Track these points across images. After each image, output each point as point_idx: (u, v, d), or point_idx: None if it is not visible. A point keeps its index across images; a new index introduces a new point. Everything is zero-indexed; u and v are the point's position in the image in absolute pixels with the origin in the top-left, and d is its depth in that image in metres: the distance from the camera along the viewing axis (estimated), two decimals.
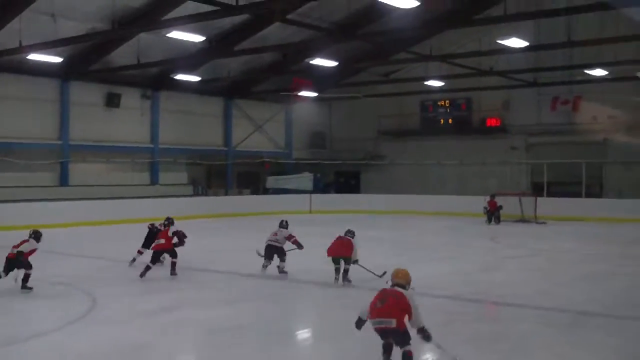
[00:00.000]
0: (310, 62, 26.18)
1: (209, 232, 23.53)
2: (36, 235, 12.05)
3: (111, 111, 29.65)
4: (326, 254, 12.86)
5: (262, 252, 13.93)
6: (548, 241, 21.14)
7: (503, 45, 22.36)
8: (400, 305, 7.20)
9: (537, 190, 29.94)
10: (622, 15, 23.73)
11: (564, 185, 30.41)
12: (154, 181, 31.32)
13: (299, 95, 33.70)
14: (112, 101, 29.48)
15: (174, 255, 13.50)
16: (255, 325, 9.70)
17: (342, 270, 12.67)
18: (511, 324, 9.80)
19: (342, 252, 12.77)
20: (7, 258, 11.69)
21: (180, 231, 13.81)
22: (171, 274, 13.42)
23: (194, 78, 28.53)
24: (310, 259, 15.94)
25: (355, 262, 12.88)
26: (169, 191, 30.56)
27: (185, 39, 21.56)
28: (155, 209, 27.37)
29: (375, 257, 16.38)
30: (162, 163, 31.54)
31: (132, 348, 8.43)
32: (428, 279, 13.44)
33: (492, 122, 33.92)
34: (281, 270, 13.72)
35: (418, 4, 15.82)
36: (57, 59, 23.39)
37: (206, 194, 33.04)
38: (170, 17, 22.09)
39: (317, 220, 27.72)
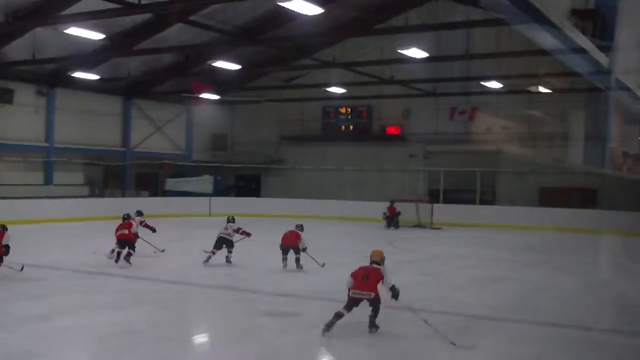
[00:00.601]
0: (213, 64, 25.99)
1: (104, 234, 22.92)
2: None
3: (3, 107, 28.47)
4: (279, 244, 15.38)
5: (209, 248, 15.89)
6: (443, 246, 21.66)
7: (404, 55, 22.84)
8: (377, 278, 9.41)
9: (433, 197, 30.70)
10: (516, 32, 24.62)
11: (459, 193, 31.29)
12: (48, 181, 30.27)
13: (201, 98, 33.36)
14: (3, 97, 28.30)
15: (132, 247, 15.34)
16: (148, 330, 9.47)
17: (295, 258, 15.23)
18: (408, 328, 9.96)
19: (291, 242, 15.27)
20: None
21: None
22: (126, 258, 15.17)
23: (93, 76, 27.78)
24: (211, 263, 15.82)
25: (304, 249, 15.27)
26: (64, 192, 29.63)
27: (84, 36, 20.99)
28: (49, 210, 26.58)
29: (274, 262, 16.39)
30: (57, 163, 30.54)
31: (19, 356, 8.08)
32: (327, 284, 13.56)
33: (392, 130, 34.53)
34: (228, 260, 15.92)
35: (322, 11, 15.97)
36: None
37: (103, 195, 32.24)
38: (68, 12, 21.43)
39: (216, 223, 27.34)
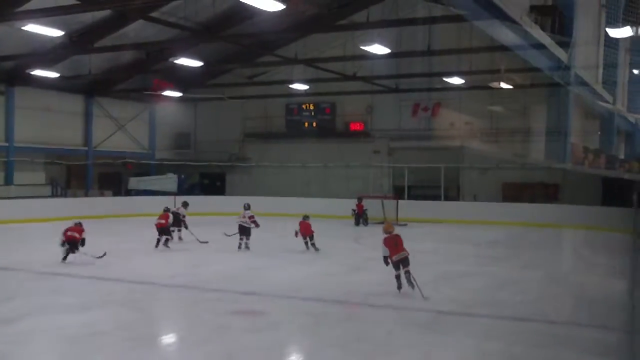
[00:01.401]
0: (175, 61, 25.78)
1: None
2: None
3: None
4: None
5: (229, 233, 18.76)
6: (409, 242, 21.67)
7: (366, 51, 22.89)
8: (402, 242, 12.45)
9: (398, 193, 30.84)
10: (477, 28, 24.84)
11: (423, 189, 31.49)
12: (8, 181, 29.76)
13: (163, 95, 33.06)
14: None
15: (169, 234, 18.41)
16: (115, 331, 9.38)
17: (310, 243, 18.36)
18: (375, 325, 10.01)
19: (308, 231, 18.49)
20: None
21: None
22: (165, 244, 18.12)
23: (53, 74, 27.33)
24: (175, 263, 15.74)
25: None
26: (25, 192, 29.15)
27: (42, 33, 20.63)
28: (10, 211, 26.14)
29: (241, 260, 16.36)
30: (17, 162, 30.04)
31: None
32: (294, 281, 13.59)
33: (355, 126, 34.60)
34: (247, 247, 18.15)
35: (283, 7, 15.93)
36: None
37: (65, 195, 31.80)
38: (26, 8, 21.03)
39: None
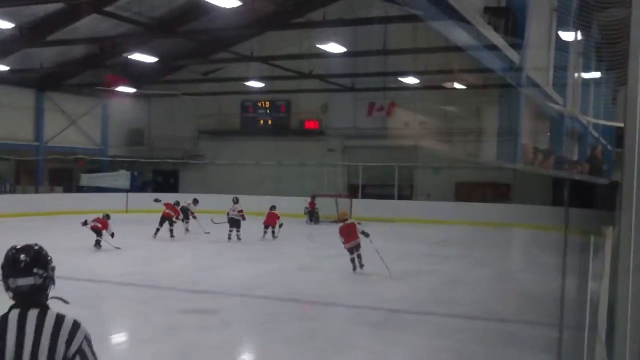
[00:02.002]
0: (129, 57, 25.47)
1: (17, 232, 22.21)
2: None
3: None
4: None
5: (217, 221, 20.77)
6: (362, 241, 21.82)
7: (322, 49, 22.91)
8: (356, 228, 14.58)
9: (352, 191, 30.93)
10: (432, 28, 25.00)
11: (378, 187, 31.65)
12: None
13: (116, 91, 32.63)
14: None
15: (171, 223, 20.62)
16: None
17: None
18: (326, 323, 10.03)
19: (272, 221, 20.84)
20: None
21: None
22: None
23: (2, 67, 26.78)
24: (127, 261, 15.57)
25: (281, 225, 21.09)
26: None
27: None
28: None
29: (193, 258, 16.25)
30: None
31: None
32: (247, 279, 13.55)
33: (310, 124, 34.62)
34: (238, 238, 19.91)
35: (240, 4, 15.87)
36: None
37: (14, 191, 31.21)
38: None
39: (134, 219, 27.00)
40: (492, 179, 29.97)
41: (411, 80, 28.32)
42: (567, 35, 14.78)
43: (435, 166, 31.12)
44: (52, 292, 3.15)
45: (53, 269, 3.18)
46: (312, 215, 27.36)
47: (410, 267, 15.90)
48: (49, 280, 3.13)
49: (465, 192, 29.73)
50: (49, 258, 3.18)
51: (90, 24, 25.30)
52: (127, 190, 32.42)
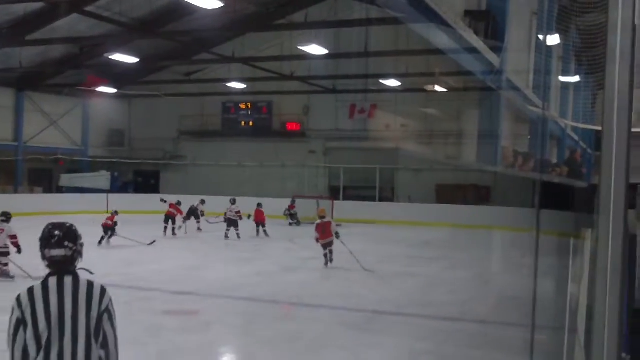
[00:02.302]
0: (109, 57, 25.36)
1: None
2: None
3: None
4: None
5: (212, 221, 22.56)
6: (344, 243, 21.86)
7: (304, 51, 22.95)
8: (332, 227, 15.67)
9: (334, 193, 30.97)
10: (413, 31, 25.10)
11: (359, 190, 31.72)
12: None
13: (97, 91, 32.46)
14: None
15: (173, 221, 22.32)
16: None
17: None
18: (308, 324, 10.04)
19: (261, 218, 22.51)
20: None
21: None
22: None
23: None
24: (109, 262, 15.50)
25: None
26: None
27: None
28: None
29: (175, 259, 16.22)
30: None
31: None
32: (228, 280, 13.54)
33: (292, 126, 34.62)
34: (238, 236, 20.90)
35: (221, 5, 15.87)
36: None
37: None
38: None
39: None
40: (472, 181, 30.12)
41: (392, 82, 28.44)
42: (547, 39, 14.90)
43: (416, 168, 31.25)
44: (80, 265, 3.79)
45: (82, 245, 3.83)
46: (293, 217, 27.40)
47: (390, 269, 15.96)
48: (77, 253, 3.78)
49: (446, 194, 29.85)
50: (78, 235, 3.82)
51: (70, 24, 25.17)
52: (107, 191, 32.24)
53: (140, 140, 37.81)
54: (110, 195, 31.75)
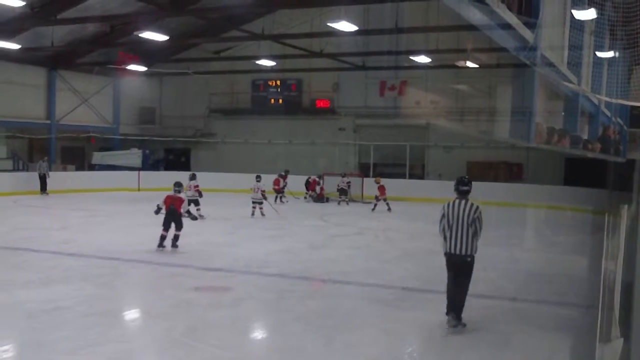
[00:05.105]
0: (139, 35, 25.43)
1: (30, 209, 22.40)
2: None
3: None
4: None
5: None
6: (373, 220, 21.89)
7: (333, 28, 22.78)
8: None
9: (364, 170, 30.91)
10: (444, 6, 24.82)
11: (389, 167, 31.62)
12: None
13: (127, 69, 32.64)
14: None
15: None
16: (77, 306, 9.20)
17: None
18: (338, 301, 10.05)
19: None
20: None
21: None
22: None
23: (14, 46, 26.72)
24: (139, 238, 15.62)
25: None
26: None
27: (2, 2, 20.13)
28: None
29: (207, 235, 16.32)
30: None
31: None
32: (259, 257, 13.61)
33: (321, 103, 34.55)
34: (262, 214, 20.92)
35: None
36: None
37: (27, 169, 31.32)
38: None
39: (145, 197, 27.09)
40: (504, 159, 29.86)
41: (423, 58, 28.15)
42: (581, 14, 14.66)
43: (447, 145, 31.03)
44: None
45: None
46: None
47: (421, 246, 15.90)
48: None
49: (477, 171, 29.63)
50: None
51: (101, 2, 25.30)
52: (139, 169, 32.50)
53: (170, 118, 38.02)
54: (142, 172, 32.02)
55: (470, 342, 8.25)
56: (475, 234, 8.30)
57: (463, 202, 8.32)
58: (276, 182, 27.03)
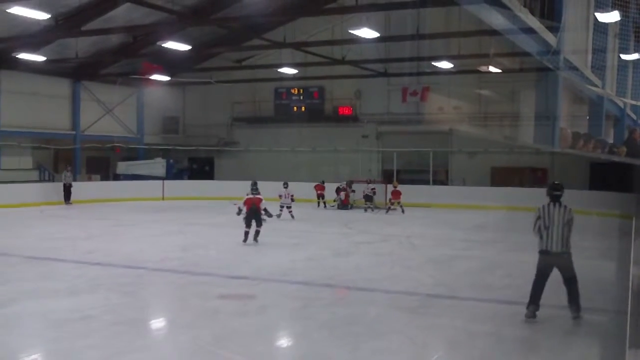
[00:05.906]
0: (162, 45, 25.62)
1: (56, 219, 22.61)
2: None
3: None
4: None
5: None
6: (398, 227, 21.83)
7: (355, 35, 22.80)
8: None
9: (387, 177, 30.85)
10: (466, 12, 24.75)
11: (412, 173, 31.51)
12: None
13: (151, 79, 32.88)
14: None
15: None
16: (103, 315, 9.26)
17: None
18: (363, 308, 10.01)
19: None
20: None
21: None
22: None
23: (39, 58, 27.08)
24: (164, 247, 15.70)
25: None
26: (12, 176, 28.92)
27: (28, 15, 20.42)
28: None
29: (229, 244, 16.37)
30: (4, 147, 29.84)
31: None
32: (284, 264, 13.61)
33: (344, 110, 34.56)
34: (292, 216, 22.66)
35: None
36: None
37: (53, 180, 31.63)
38: None
39: (170, 207, 27.26)
40: (528, 164, 29.67)
41: (445, 64, 28.08)
42: (605, 17, 14.55)
43: (471, 151, 30.90)
44: None
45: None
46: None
47: (446, 252, 15.83)
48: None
49: (501, 176, 29.48)
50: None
51: (124, 13, 25.52)
52: (163, 178, 32.70)
53: (194, 127, 38.23)
54: (166, 182, 32.22)
55: (497, 348, 8.18)
56: (569, 233, 9.21)
57: (557, 204, 9.19)
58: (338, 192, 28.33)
